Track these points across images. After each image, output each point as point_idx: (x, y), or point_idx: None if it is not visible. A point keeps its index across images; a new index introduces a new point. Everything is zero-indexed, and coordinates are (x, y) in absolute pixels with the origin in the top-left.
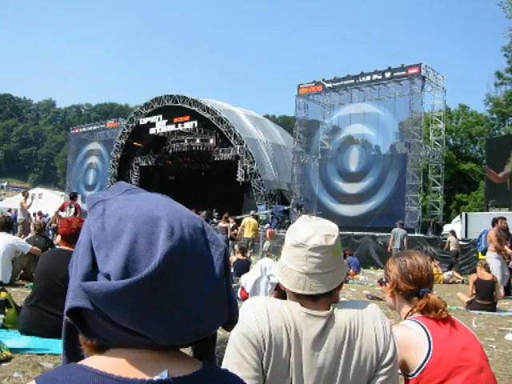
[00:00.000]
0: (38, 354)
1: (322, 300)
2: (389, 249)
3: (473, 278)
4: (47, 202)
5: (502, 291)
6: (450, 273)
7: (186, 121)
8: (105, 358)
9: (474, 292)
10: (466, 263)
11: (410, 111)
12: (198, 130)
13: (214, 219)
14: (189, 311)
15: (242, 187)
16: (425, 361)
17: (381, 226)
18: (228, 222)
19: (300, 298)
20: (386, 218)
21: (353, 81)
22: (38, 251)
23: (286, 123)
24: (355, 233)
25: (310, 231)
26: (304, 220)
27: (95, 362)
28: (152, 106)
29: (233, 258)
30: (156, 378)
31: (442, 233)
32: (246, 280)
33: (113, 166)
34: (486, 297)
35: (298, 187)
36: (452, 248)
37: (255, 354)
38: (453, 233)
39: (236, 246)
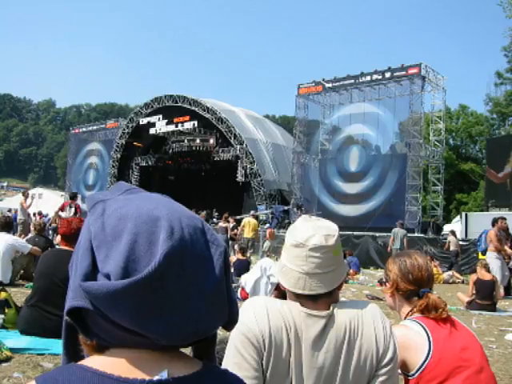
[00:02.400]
0: (38, 354)
1: (322, 300)
2: (389, 249)
3: (473, 278)
4: (47, 202)
5: (501, 291)
6: (450, 273)
7: (186, 121)
8: (105, 358)
9: (474, 292)
10: (466, 263)
11: (409, 111)
12: (198, 130)
13: (214, 219)
14: (189, 311)
15: (242, 187)
16: (425, 361)
17: (381, 226)
18: (228, 221)
19: (300, 298)
20: (386, 218)
21: (353, 81)
22: (38, 251)
23: (286, 123)
24: (355, 233)
25: (310, 231)
26: (304, 220)
27: (95, 361)
28: (152, 106)
29: (233, 258)
30: (156, 377)
31: (442, 233)
32: (246, 280)
33: (113, 166)
34: (485, 297)
35: (298, 187)
36: (452, 248)
37: (255, 354)
38: (453, 233)
39: (236, 246)
